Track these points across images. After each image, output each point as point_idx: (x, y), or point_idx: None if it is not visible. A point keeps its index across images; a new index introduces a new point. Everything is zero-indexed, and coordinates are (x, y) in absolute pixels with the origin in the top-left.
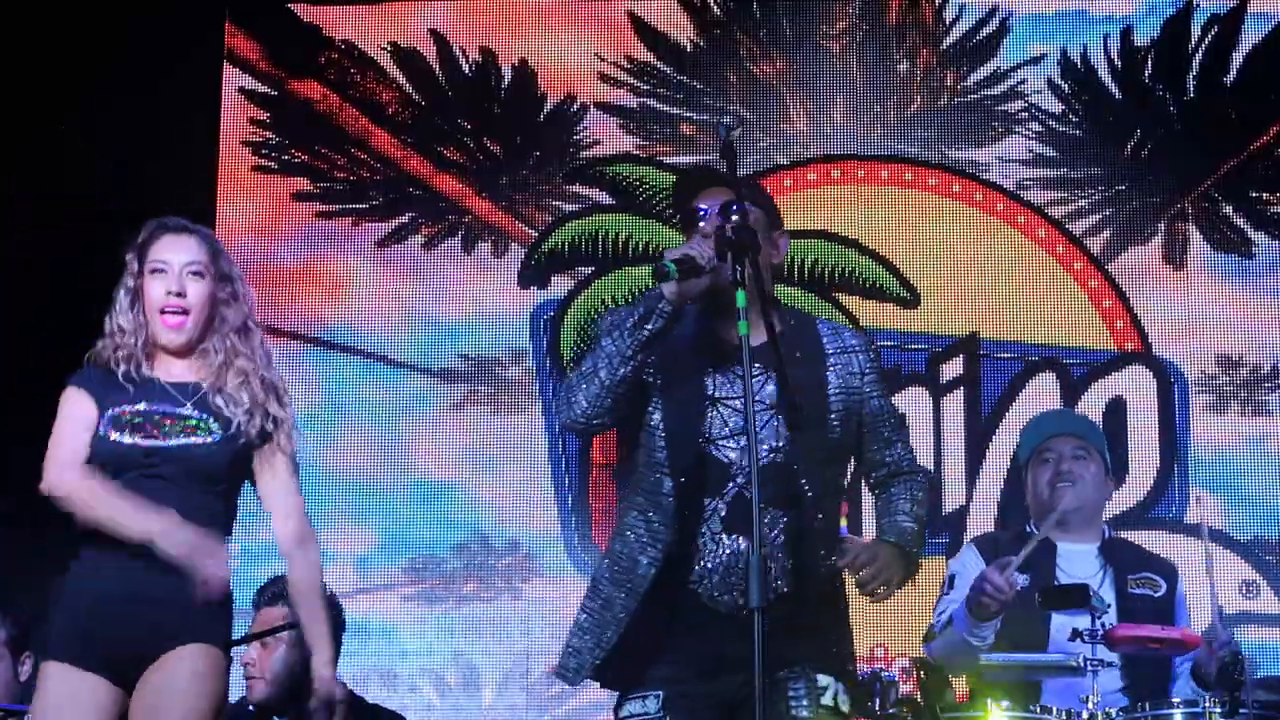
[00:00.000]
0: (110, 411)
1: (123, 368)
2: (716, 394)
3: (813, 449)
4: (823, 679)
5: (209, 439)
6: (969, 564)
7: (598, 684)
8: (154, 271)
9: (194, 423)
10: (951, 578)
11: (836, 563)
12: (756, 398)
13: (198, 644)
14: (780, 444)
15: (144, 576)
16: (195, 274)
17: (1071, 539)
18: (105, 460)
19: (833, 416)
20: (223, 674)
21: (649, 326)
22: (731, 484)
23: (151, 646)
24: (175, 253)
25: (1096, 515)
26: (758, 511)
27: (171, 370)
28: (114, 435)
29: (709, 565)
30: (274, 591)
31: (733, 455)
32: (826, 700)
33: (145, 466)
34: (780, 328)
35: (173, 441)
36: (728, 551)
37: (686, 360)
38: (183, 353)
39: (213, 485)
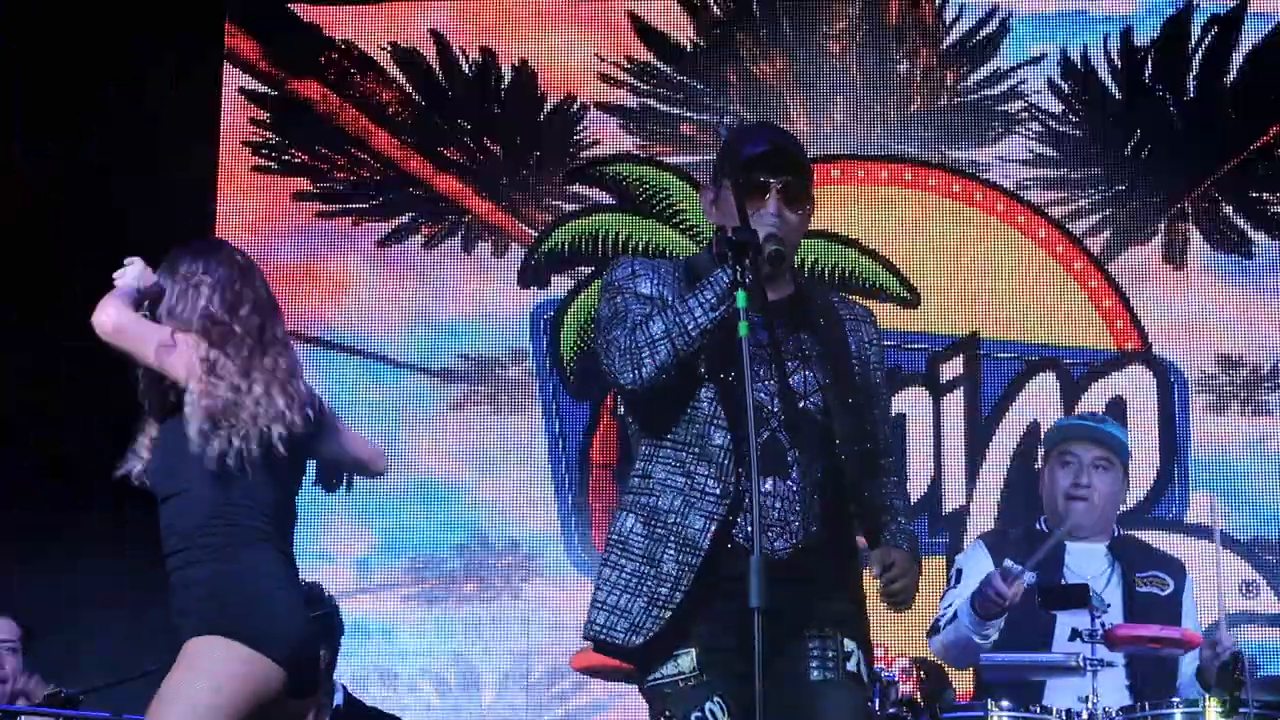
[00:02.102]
0: None
1: None
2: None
3: (842, 399)
4: (848, 644)
5: None
6: (978, 560)
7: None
8: None
9: None
10: (959, 572)
11: (869, 569)
12: (783, 348)
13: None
14: (810, 392)
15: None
16: None
17: (1081, 539)
18: None
19: (855, 375)
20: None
21: (723, 309)
22: (764, 429)
23: None
24: None
25: (1108, 520)
26: (757, 508)
27: None
28: None
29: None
30: None
31: (763, 398)
32: (851, 666)
33: None
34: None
35: None
36: (764, 493)
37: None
38: None
39: None
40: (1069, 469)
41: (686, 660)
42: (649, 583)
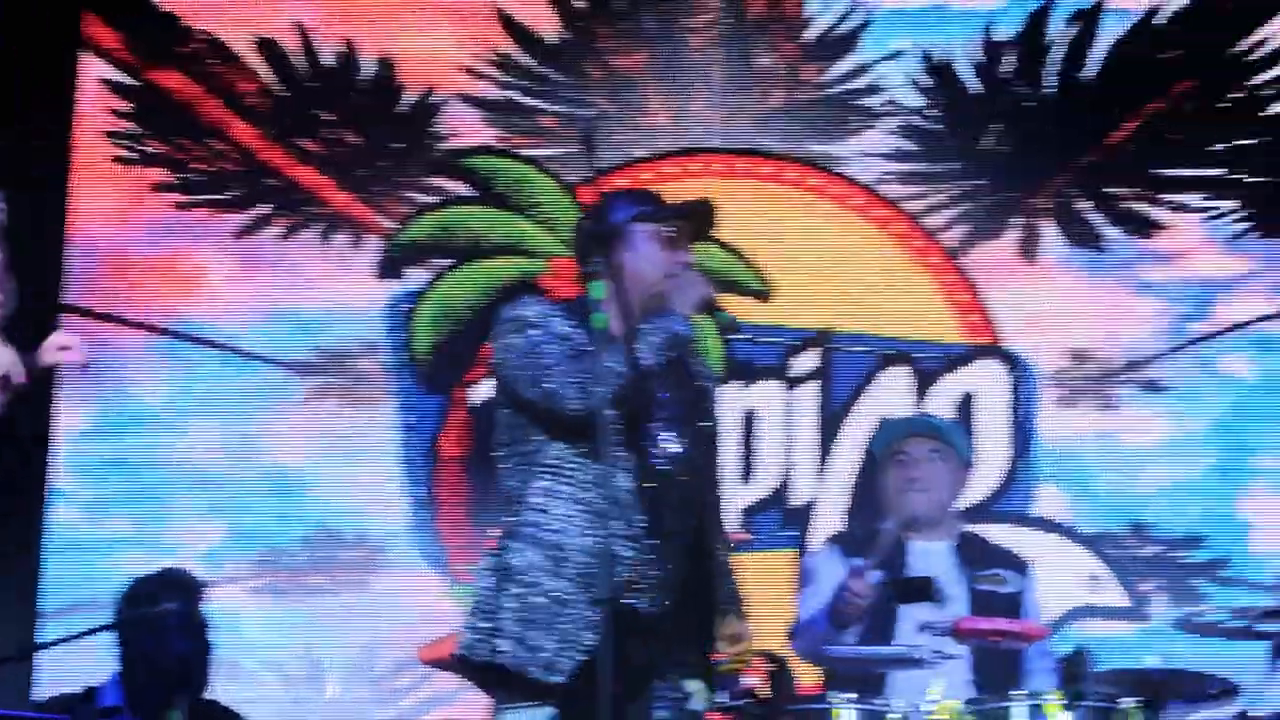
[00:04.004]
0: None
1: None
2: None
3: (705, 460)
4: (689, 685)
5: None
6: (831, 563)
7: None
8: None
9: None
10: (810, 572)
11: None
12: (662, 399)
13: None
14: (681, 454)
15: None
16: None
17: (923, 538)
18: None
19: (710, 436)
20: None
21: (673, 353)
22: (656, 481)
23: None
24: None
25: (947, 513)
26: (620, 503)
27: None
28: None
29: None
30: None
31: (657, 455)
32: (691, 705)
33: None
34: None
35: None
36: (648, 546)
37: None
38: None
39: None
40: (903, 465)
41: (549, 710)
42: (558, 621)
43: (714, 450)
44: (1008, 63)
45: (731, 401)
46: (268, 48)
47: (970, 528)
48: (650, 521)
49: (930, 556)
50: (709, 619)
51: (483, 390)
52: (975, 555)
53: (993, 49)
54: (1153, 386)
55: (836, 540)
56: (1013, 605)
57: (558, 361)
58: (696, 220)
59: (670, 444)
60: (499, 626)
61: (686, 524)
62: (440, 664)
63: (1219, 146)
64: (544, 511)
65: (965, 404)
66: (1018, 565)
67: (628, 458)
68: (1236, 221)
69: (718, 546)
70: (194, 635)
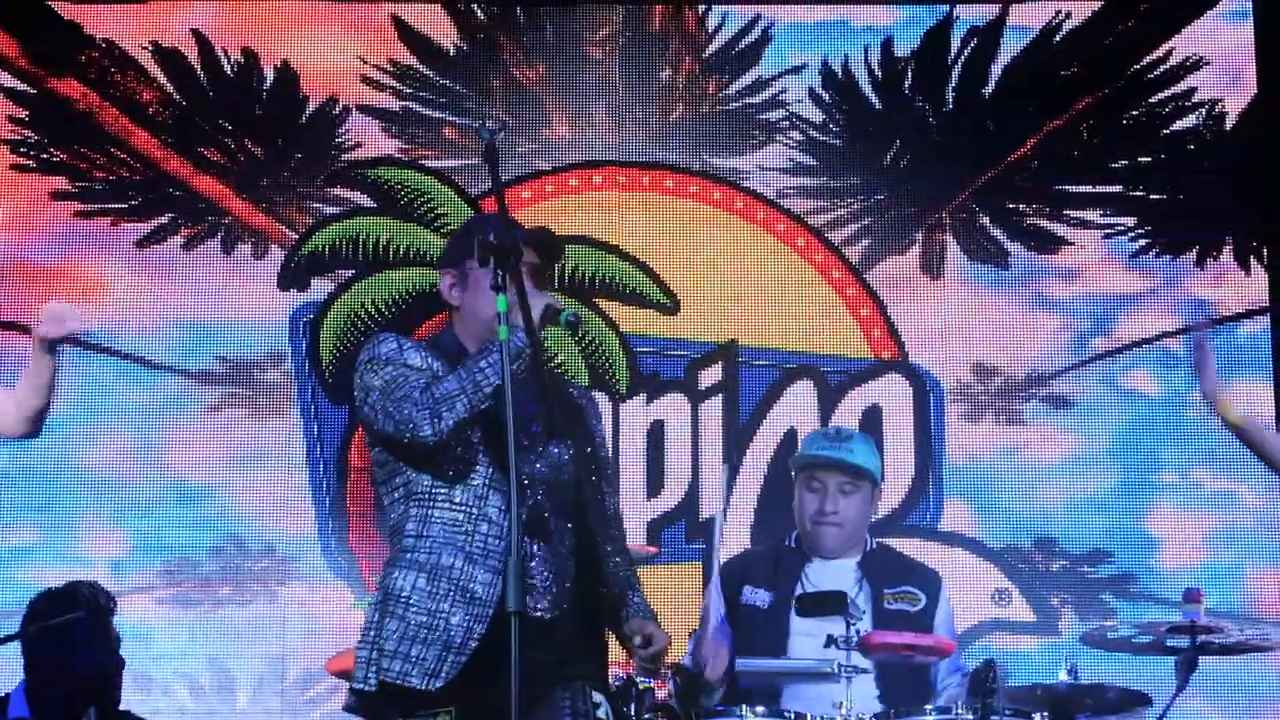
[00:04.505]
0: None
1: None
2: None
3: (588, 471)
4: (597, 696)
5: None
6: (714, 601)
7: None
8: None
9: None
10: (706, 609)
11: (630, 640)
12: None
13: None
14: (564, 464)
15: None
16: None
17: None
18: None
19: (598, 439)
20: None
21: (513, 366)
22: (532, 495)
23: None
24: None
25: (858, 540)
26: (515, 507)
27: None
28: None
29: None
30: None
31: (539, 467)
32: (601, 715)
33: None
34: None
35: None
36: (528, 556)
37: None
38: None
39: None
40: (816, 495)
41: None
42: (439, 634)
43: (597, 461)
44: (909, 78)
45: (638, 414)
46: (168, 56)
47: (881, 540)
48: (530, 530)
49: (832, 573)
50: (602, 628)
51: None
52: (883, 572)
53: (894, 64)
54: (1057, 402)
55: (726, 569)
56: (921, 624)
57: (409, 393)
58: (541, 251)
59: (541, 458)
60: (382, 648)
61: (569, 532)
62: (347, 675)
63: (1119, 164)
64: (421, 537)
65: (871, 418)
66: (930, 581)
67: (496, 475)
68: (1136, 239)
69: (617, 559)
70: (102, 647)
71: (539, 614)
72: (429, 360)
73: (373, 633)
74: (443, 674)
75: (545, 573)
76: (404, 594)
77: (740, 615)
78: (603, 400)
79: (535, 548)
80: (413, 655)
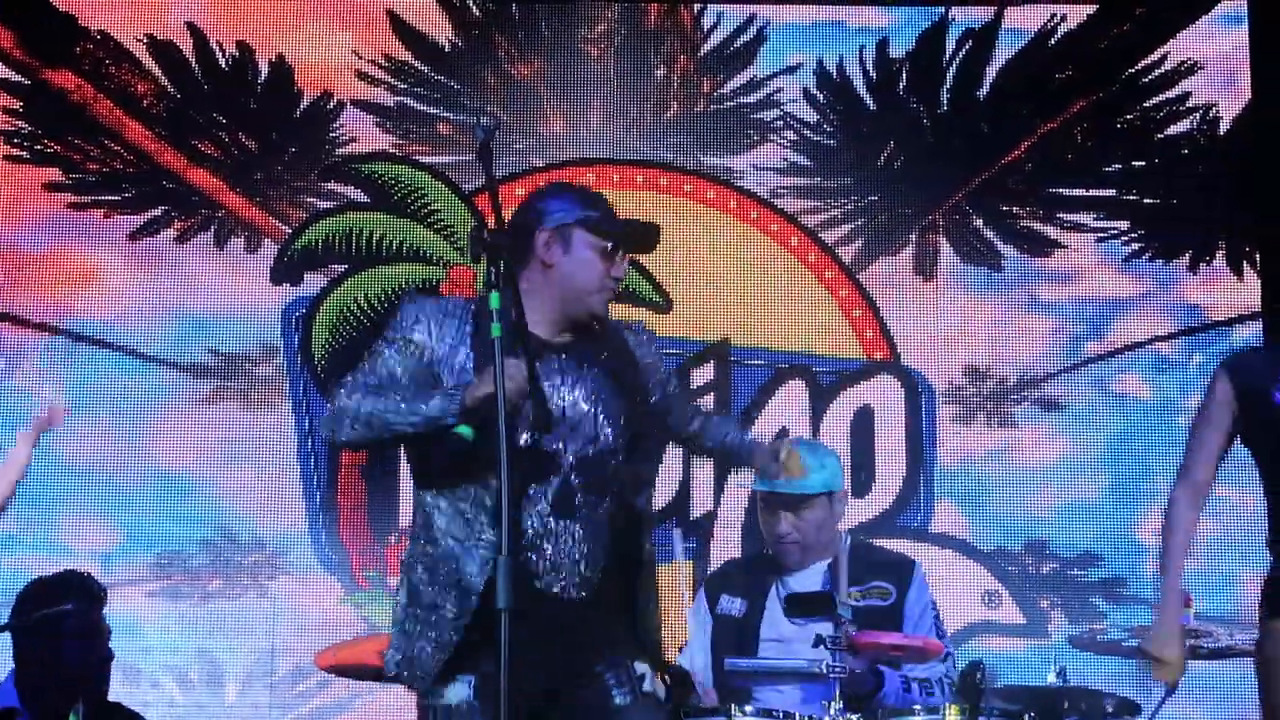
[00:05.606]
0: None
1: None
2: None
3: (631, 435)
4: (639, 667)
5: None
6: (700, 618)
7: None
8: None
9: None
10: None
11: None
12: (573, 395)
13: None
14: (600, 434)
15: None
16: None
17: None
18: None
19: (649, 400)
20: None
21: (438, 425)
22: (556, 475)
23: None
24: None
25: (825, 545)
26: (507, 508)
27: None
28: None
29: (542, 549)
30: None
31: (557, 445)
32: (646, 687)
33: None
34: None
35: None
36: (555, 535)
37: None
38: None
39: None
40: (776, 520)
41: (464, 688)
42: (432, 630)
43: (643, 391)
44: (903, 79)
45: None
46: (163, 49)
47: (861, 538)
48: (559, 509)
49: (801, 577)
50: (640, 602)
51: None
52: (853, 571)
53: (889, 66)
54: (1049, 404)
55: (707, 585)
56: (893, 617)
57: (349, 389)
58: (639, 241)
59: (570, 438)
60: (394, 641)
61: (604, 505)
62: (337, 670)
63: (1113, 167)
64: (429, 527)
65: (863, 418)
66: (902, 570)
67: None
68: (1129, 242)
69: (712, 421)
70: (91, 639)
71: (567, 593)
72: (435, 339)
73: (394, 623)
74: (431, 672)
75: (575, 554)
76: (412, 588)
77: (716, 624)
78: None
79: (564, 525)
80: (412, 654)
